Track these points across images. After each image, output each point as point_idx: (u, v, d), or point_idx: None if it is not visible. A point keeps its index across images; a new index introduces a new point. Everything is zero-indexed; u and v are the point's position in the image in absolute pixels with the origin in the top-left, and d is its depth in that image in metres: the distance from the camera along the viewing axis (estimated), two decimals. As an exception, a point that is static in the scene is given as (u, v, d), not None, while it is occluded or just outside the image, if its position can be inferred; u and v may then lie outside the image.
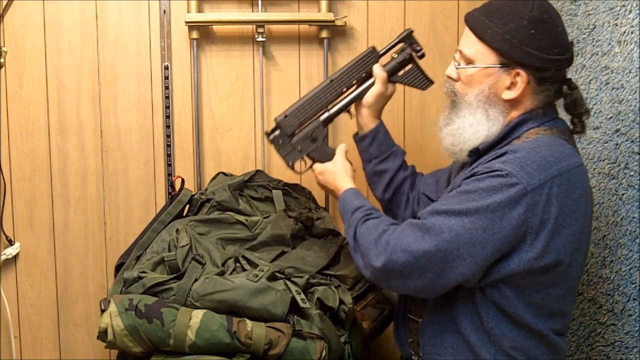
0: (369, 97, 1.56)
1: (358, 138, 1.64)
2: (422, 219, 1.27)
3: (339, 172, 1.54)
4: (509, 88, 1.30)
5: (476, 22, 1.32)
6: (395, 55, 1.57)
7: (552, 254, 1.23)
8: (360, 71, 1.57)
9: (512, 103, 1.32)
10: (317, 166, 1.58)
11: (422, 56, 1.58)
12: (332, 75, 1.57)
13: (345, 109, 1.60)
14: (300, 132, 1.58)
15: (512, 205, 1.19)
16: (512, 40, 1.27)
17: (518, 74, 1.28)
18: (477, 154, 1.35)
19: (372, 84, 1.56)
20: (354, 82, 1.58)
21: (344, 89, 1.58)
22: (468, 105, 1.33)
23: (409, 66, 1.58)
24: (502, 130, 1.33)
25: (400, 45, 1.58)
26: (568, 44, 1.32)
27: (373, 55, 1.57)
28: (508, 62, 1.28)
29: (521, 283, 1.26)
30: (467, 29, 1.35)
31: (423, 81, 1.59)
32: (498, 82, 1.30)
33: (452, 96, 1.38)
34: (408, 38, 1.57)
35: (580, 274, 1.34)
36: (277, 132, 1.58)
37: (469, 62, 1.33)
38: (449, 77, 1.38)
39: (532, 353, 1.30)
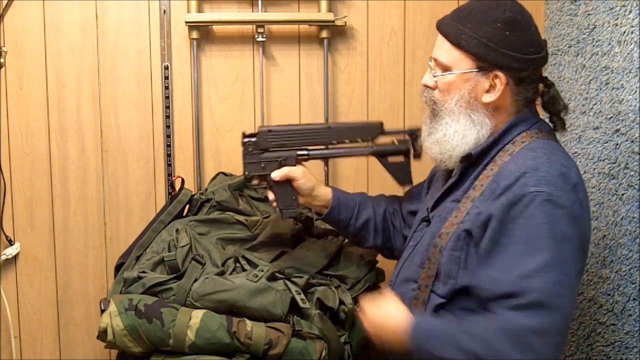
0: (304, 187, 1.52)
1: (327, 215, 1.57)
2: (518, 296, 1.17)
3: (393, 313, 1.31)
4: (488, 91, 1.30)
5: (449, 29, 1.31)
6: (396, 142, 1.56)
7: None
8: (358, 136, 1.54)
9: (494, 105, 1.31)
10: (370, 312, 1.36)
11: (417, 156, 1.55)
12: (332, 124, 1.54)
13: (324, 158, 1.56)
14: (273, 153, 1.52)
15: (570, 220, 1.20)
16: (488, 43, 1.27)
17: (496, 76, 1.28)
18: (469, 159, 1.33)
19: (362, 153, 1.56)
20: (346, 140, 1.54)
21: (334, 142, 1.54)
22: (450, 112, 1.32)
23: (401, 158, 1.56)
24: (494, 134, 1.32)
25: (405, 136, 1.56)
26: (542, 43, 1.32)
27: (377, 129, 1.54)
28: (485, 65, 1.28)
29: None
30: (440, 37, 1.34)
31: (405, 177, 1.57)
32: (477, 86, 1.30)
33: (431, 105, 1.36)
34: (415, 135, 1.54)
35: None
36: (252, 139, 1.52)
37: (446, 69, 1.32)
38: (426, 86, 1.37)
39: None
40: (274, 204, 1.54)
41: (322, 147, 1.56)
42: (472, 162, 1.34)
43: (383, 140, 1.57)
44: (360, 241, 1.62)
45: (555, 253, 1.18)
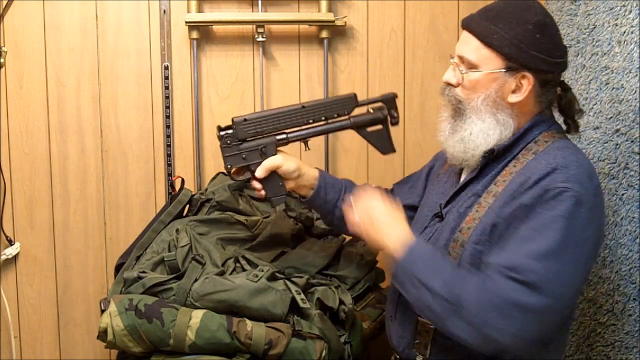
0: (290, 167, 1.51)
1: (312, 197, 1.55)
2: (518, 271, 1.19)
3: (391, 219, 1.36)
4: (514, 91, 1.31)
5: (480, 28, 1.31)
6: (372, 111, 1.54)
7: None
8: (334, 111, 1.51)
9: (518, 106, 1.32)
10: (380, 205, 1.40)
11: (395, 123, 1.55)
12: (306, 103, 1.50)
13: (304, 138, 1.53)
14: (252, 142, 1.50)
15: (589, 221, 1.22)
16: (520, 44, 1.27)
17: (524, 77, 1.29)
18: (491, 154, 1.34)
19: (340, 127, 1.54)
20: (323, 118, 1.52)
21: (311, 121, 1.52)
22: (476, 111, 1.32)
23: (379, 127, 1.55)
24: (515, 133, 1.33)
25: (380, 104, 1.54)
26: (565, 47, 1.34)
27: (351, 102, 1.52)
28: (514, 66, 1.29)
29: None
30: (466, 34, 1.33)
31: (386, 146, 1.57)
32: (504, 86, 1.30)
33: (455, 103, 1.35)
34: (390, 101, 1.54)
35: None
36: (229, 131, 1.50)
37: (472, 67, 1.32)
38: (448, 84, 1.36)
39: (549, 347, 1.32)
40: (262, 192, 1.52)
41: (300, 128, 1.53)
42: (493, 158, 1.35)
43: (359, 111, 1.54)
44: (345, 226, 1.57)
45: (564, 245, 1.19)
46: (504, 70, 1.29)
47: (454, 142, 1.36)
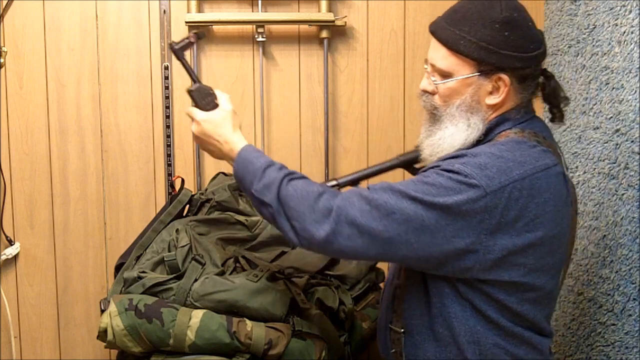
0: None
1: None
2: (372, 192, 1.21)
3: (229, 125, 1.36)
4: (491, 93, 1.26)
5: (446, 34, 1.26)
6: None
7: (513, 257, 1.20)
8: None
9: (496, 106, 1.28)
10: (198, 113, 1.37)
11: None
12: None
13: (353, 182, 1.52)
14: None
15: (469, 204, 1.16)
16: (488, 46, 1.22)
17: (499, 78, 1.25)
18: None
19: (389, 167, 1.53)
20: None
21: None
22: (450, 117, 1.29)
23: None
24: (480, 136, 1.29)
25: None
26: (540, 36, 1.28)
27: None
28: (487, 68, 1.24)
29: (487, 282, 1.22)
30: (434, 41, 1.29)
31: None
32: (479, 90, 1.26)
33: (432, 110, 1.32)
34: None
35: (558, 280, 1.30)
36: None
37: (445, 75, 1.27)
38: (425, 91, 1.33)
39: (515, 352, 1.26)
40: None
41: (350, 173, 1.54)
42: None
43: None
44: None
45: (429, 205, 1.16)
46: (477, 74, 1.25)
47: (425, 145, 1.33)
